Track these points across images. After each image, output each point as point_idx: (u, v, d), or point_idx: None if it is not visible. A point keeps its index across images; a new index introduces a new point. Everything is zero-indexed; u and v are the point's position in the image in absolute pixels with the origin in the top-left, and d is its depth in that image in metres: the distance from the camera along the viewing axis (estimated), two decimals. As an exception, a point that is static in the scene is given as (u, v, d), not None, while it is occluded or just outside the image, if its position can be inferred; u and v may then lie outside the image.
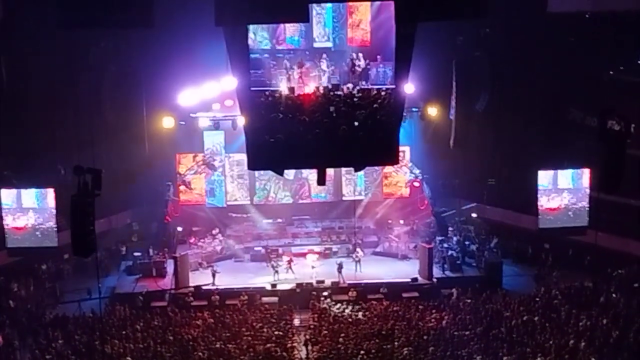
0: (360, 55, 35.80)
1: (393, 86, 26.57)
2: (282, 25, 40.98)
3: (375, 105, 27.89)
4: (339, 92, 30.34)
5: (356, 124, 26.81)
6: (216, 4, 22.32)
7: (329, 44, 41.32)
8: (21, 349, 31.77)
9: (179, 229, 44.64)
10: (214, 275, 40.07)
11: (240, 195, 47.64)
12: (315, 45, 41.43)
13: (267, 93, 30.23)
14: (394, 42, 23.69)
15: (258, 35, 41.22)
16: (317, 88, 31.31)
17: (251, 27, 36.44)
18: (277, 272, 40.81)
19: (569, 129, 42.00)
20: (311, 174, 43.64)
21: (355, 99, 29.08)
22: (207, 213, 46.65)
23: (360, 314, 36.07)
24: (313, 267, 41.44)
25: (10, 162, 41.20)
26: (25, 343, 32.33)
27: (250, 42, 36.79)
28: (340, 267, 40.51)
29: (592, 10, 38.65)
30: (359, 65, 34.59)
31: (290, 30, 41.46)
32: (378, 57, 36.36)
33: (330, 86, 32.18)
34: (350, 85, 31.93)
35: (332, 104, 28.12)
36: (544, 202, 38.92)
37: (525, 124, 44.29)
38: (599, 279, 36.98)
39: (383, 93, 29.45)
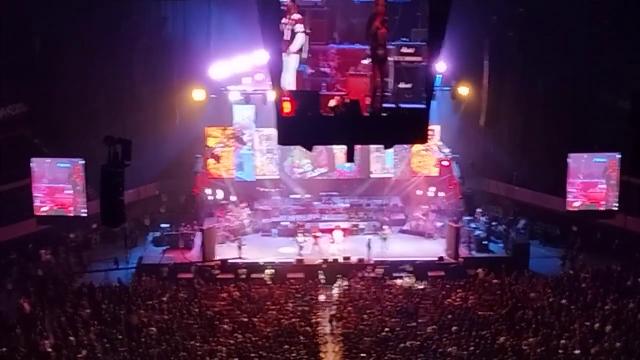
0: None
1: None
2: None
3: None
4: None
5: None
6: (248, -24, 22.17)
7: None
8: (48, 316, 32.05)
9: (208, 192, 44.38)
10: (240, 249, 40.27)
11: (269, 170, 47.70)
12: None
13: None
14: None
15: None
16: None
17: None
18: (301, 247, 40.94)
19: (600, 111, 41.71)
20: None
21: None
22: (236, 187, 46.69)
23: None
24: (332, 242, 41.70)
25: (41, 132, 41.54)
26: (52, 311, 32.60)
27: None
28: (369, 244, 40.50)
29: (627, -8, 38.38)
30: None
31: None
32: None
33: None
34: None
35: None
36: (574, 184, 38.90)
37: (557, 106, 44.03)
38: (627, 262, 36.81)
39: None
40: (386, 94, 18.26)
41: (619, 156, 38.91)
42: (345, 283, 37.47)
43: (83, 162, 38.07)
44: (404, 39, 21.16)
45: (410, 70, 20.66)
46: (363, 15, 18.43)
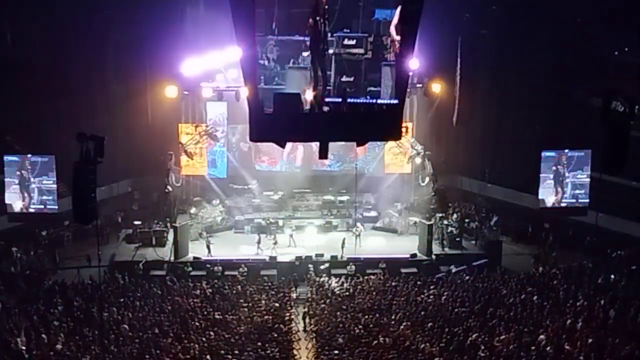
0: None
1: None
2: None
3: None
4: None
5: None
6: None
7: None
8: (20, 314, 31.82)
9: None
10: (208, 247, 40.28)
11: (242, 167, 47.59)
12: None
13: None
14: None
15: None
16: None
17: None
18: (259, 243, 41.11)
19: (572, 109, 41.92)
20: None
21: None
22: (208, 183, 46.58)
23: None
24: (275, 242, 41.23)
25: (13, 129, 41.24)
26: (24, 308, 32.36)
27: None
28: (343, 241, 40.49)
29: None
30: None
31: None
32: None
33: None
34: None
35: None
36: (546, 181, 39.14)
37: (529, 104, 44.24)
38: (598, 259, 36.99)
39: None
40: (327, 87, 17.81)
41: (567, 151, 39.32)
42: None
43: (30, 155, 37.95)
44: (346, 30, 20.79)
45: (352, 63, 20.40)
46: (303, 5, 17.81)
